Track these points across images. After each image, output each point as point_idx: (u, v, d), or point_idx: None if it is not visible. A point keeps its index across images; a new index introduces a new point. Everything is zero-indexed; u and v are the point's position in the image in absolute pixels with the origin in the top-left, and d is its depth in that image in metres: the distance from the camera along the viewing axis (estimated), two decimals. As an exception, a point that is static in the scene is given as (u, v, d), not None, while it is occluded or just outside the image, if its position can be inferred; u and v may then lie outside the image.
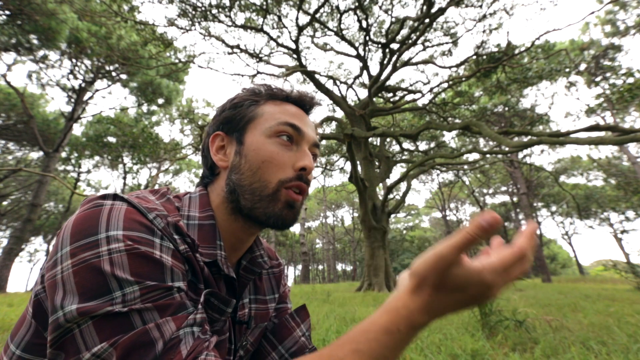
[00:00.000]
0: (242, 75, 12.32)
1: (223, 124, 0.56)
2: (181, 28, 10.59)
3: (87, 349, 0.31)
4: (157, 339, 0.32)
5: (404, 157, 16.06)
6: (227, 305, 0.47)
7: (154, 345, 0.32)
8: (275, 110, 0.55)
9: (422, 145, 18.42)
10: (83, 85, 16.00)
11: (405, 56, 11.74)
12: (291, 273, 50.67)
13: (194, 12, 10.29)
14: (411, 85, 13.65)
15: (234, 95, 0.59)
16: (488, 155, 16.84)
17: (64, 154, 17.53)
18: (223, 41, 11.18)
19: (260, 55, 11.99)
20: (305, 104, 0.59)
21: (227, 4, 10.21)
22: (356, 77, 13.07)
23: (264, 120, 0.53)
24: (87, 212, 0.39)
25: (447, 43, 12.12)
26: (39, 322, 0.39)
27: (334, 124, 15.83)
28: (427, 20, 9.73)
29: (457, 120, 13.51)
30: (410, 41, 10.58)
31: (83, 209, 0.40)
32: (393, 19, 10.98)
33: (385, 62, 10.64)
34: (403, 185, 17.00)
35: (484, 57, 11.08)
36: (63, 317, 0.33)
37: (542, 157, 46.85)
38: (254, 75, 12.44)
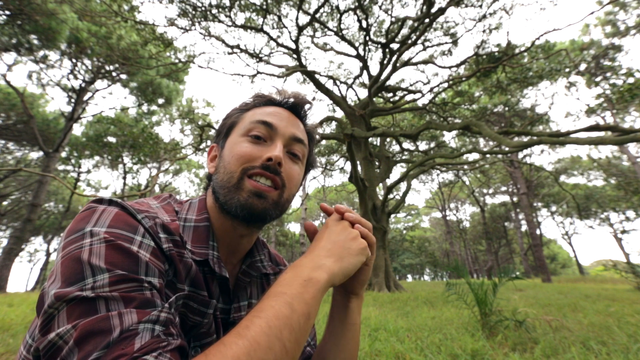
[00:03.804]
0: (242, 75, 12.32)
1: (216, 136, 0.62)
2: (181, 28, 10.59)
3: (54, 330, 0.33)
4: (115, 327, 0.32)
5: (404, 157, 16.06)
6: (206, 307, 0.47)
7: (110, 332, 0.32)
8: (255, 113, 0.58)
9: (422, 145, 18.44)
10: (83, 85, 16.00)
11: (405, 56, 11.74)
12: (291, 273, 50.72)
13: (194, 12, 10.30)
14: (411, 85, 13.65)
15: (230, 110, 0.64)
16: (488, 155, 16.84)
17: (64, 154, 17.54)
18: (223, 41, 11.18)
19: (260, 55, 11.99)
20: (295, 107, 0.60)
21: (227, 4, 10.21)
22: (356, 77, 13.07)
23: (242, 123, 0.57)
24: (82, 214, 0.43)
25: (447, 43, 12.11)
26: (37, 315, 0.41)
27: (334, 124, 15.84)
28: (427, 20, 9.72)
29: (457, 120, 13.51)
30: (410, 41, 10.57)
31: (80, 211, 0.44)
32: (393, 19, 10.98)
33: (385, 62, 10.63)
34: (403, 185, 17.02)
35: (484, 57, 11.07)
36: (47, 302, 0.35)
37: (542, 157, 46.94)
38: (254, 75, 12.44)
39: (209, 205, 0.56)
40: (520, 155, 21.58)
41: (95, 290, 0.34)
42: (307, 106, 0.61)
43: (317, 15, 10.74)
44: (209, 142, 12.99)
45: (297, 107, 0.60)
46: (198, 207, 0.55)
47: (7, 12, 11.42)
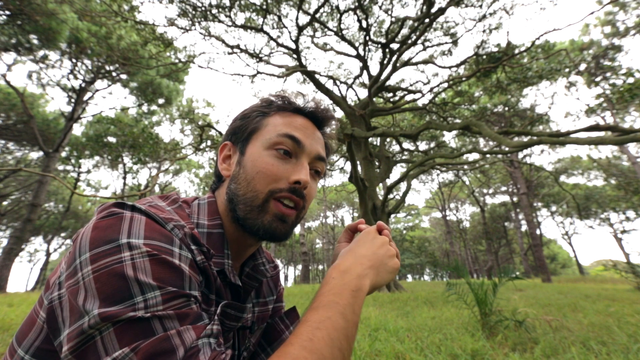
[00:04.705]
0: (242, 75, 12.31)
1: (231, 134, 0.57)
2: (181, 28, 10.59)
3: (107, 355, 0.31)
4: (178, 346, 0.32)
5: (404, 157, 16.05)
6: (242, 312, 0.49)
7: (174, 352, 0.31)
8: (280, 122, 0.54)
9: (422, 145, 18.42)
10: (83, 85, 15.99)
11: (405, 56, 11.73)
12: (291, 273, 50.68)
13: (194, 12, 10.29)
14: (411, 85, 13.64)
15: (247, 107, 0.60)
16: (488, 155, 16.84)
17: (64, 154, 17.52)
18: (223, 41, 11.18)
19: (260, 55, 11.98)
20: (317, 117, 0.58)
21: (227, 4, 10.21)
22: (356, 77, 13.07)
23: (267, 131, 0.53)
24: (106, 220, 0.39)
25: (447, 43, 12.11)
26: (50, 330, 0.39)
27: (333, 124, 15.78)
28: (427, 20, 9.72)
29: (457, 120, 13.50)
30: (410, 41, 10.57)
31: (101, 217, 0.39)
32: (393, 19, 10.98)
33: (385, 62, 10.63)
34: (403, 185, 17.01)
35: (484, 57, 11.07)
36: (87, 323, 0.32)
37: (542, 157, 46.94)
38: (254, 75, 12.44)
39: (220, 210, 0.54)
40: (520, 155, 21.59)
41: (148, 310, 0.33)
42: (330, 119, 0.60)
43: (317, 15, 10.74)
44: (209, 142, 12.98)
45: (318, 117, 0.58)
46: (208, 210, 0.52)
47: (7, 12, 11.42)
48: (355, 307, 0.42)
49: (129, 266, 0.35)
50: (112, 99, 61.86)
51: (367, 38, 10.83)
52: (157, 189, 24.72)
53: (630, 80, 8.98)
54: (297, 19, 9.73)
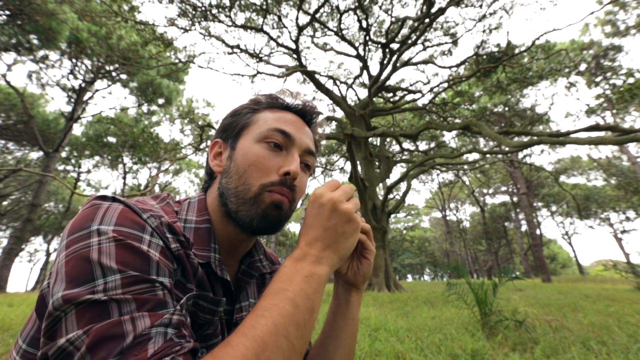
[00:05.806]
0: (242, 75, 12.32)
1: (222, 132, 0.59)
2: (181, 28, 10.59)
3: (64, 335, 0.32)
4: (128, 333, 0.32)
5: (404, 157, 16.06)
6: (217, 305, 0.47)
7: (123, 338, 0.31)
8: (270, 117, 0.56)
9: (422, 145, 18.43)
10: (83, 85, 16.00)
11: (405, 56, 11.74)
12: (291, 273, 50.70)
13: (194, 12, 10.30)
14: (411, 85, 13.65)
15: (237, 105, 0.61)
16: (488, 155, 16.84)
17: (64, 154, 17.53)
18: (223, 41, 11.18)
19: (260, 55, 11.99)
20: (305, 113, 0.59)
21: (227, 4, 10.22)
22: (356, 77, 13.07)
23: (257, 126, 0.55)
24: (85, 211, 0.41)
25: (447, 43, 12.12)
26: (40, 317, 0.41)
27: (334, 124, 15.83)
28: (427, 20, 9.73)
29: (457, 120, 13.51)
30: (410, 41, 10.57)
31: (82, 209, 0.42)
32: (393, 19, 10.98)
33: (385, 62, 10.63)
34: (403, 185, 17.02)
35: (484, 57, 11.08)
36: (52, 305, 0.34)
37: (542, 157, 46.95)
38: (254, 75, 12.44)
39: (210, 206, 0.55)
40: (520, 155, 21.59)
41: (107, 293, 0.33)
42: (317, 116, 0.61)
43: (317, 15, 10.75)
44: (209, 142, 13.00)
45: (306, 114, 0.59)
46: (198, 207, 0.53)
47: (7, 12, 11.42)
48: (309, 292, 0.40)
49: (94, 250, 0.36)
50: (112, 99, 61.94)
51: (367, 38, 10.83)
52: (157, 189, 24.72)
53: (630, 80, 8.98)
54: (297, 19, 9.74)
